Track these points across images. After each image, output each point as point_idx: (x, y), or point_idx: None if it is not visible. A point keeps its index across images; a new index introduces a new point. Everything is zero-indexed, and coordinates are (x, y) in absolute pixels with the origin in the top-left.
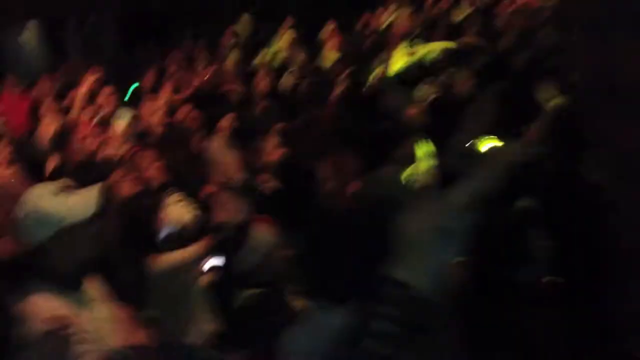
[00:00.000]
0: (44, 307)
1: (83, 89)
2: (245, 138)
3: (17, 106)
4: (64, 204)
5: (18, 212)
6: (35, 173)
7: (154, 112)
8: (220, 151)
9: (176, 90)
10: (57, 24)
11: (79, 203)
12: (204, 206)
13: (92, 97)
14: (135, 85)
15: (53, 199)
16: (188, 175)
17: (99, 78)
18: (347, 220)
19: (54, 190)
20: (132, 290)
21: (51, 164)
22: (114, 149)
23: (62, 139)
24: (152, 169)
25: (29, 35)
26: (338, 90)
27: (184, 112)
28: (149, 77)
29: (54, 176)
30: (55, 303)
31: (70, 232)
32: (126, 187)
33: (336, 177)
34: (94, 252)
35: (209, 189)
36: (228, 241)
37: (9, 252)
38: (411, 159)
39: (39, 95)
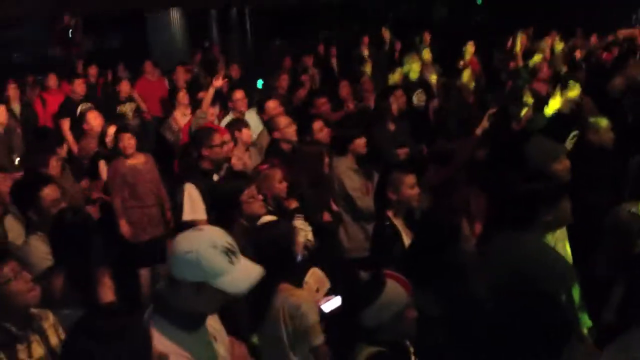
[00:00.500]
0: (166, 348)
1: (212, 89)
2: (374, 162)
3: (152, 91)
4: (225, 267)
5: (184, 240)
6: (162, 160)
7: (288, 125)
8: (347, 175)
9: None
10: (199, 13)
11: (237, 277)
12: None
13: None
14: (260, 82)
15: (221, 256)
16: (312, 198)
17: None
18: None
19: (225, 246)
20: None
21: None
22: (242, 159)
23: (200, 137)
24: (280, 188)
25: (173, 23)
26: (484, 123)
27: (318, 128)
28: (284, 79)
29: (184, 167)
30: (176, 347)
31: (211, 291)
32: (256, 207)
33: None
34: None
35: (327, 217)
36: (362, 291)
37: None
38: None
39: (175, 82)
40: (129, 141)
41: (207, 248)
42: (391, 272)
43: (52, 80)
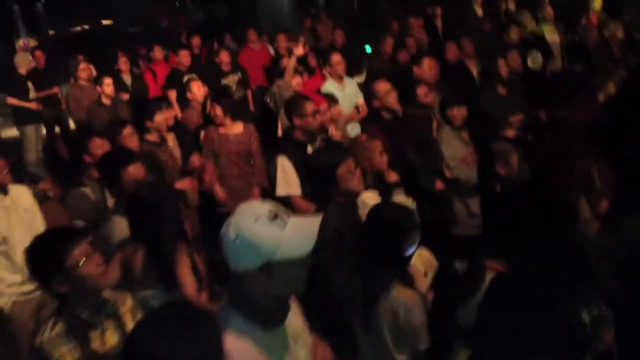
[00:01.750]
0: (239, 349)
1: (294, 57)
2: (478, 131)
3: (256, 60)
4: (277, 234)
5: (227, 228)
6: (266, 128)
7: (388, 91)
8: (448, 143)
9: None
10: None
11: (294, 238)
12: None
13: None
14: (369, 47)
15: (268, 225)
16: (419, 164)
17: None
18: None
19: (268, 214)
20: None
21: (281, 122)
22: (337, 129)
23: (291, 106)
24: (381, 161)
25: None
26: (609, 88)
27: (422, 94)
28: (388, 43)
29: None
30: (250, 346)
31: (279, 267)
32: (354, 183)
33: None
34: (301, 289)
35: (439, 185)
36: (458, 285)
37: None
38: None
39: (277, 50)
40: (217, 110)
41: (250, 225)
42: (492, 262)
43: (157, 52)
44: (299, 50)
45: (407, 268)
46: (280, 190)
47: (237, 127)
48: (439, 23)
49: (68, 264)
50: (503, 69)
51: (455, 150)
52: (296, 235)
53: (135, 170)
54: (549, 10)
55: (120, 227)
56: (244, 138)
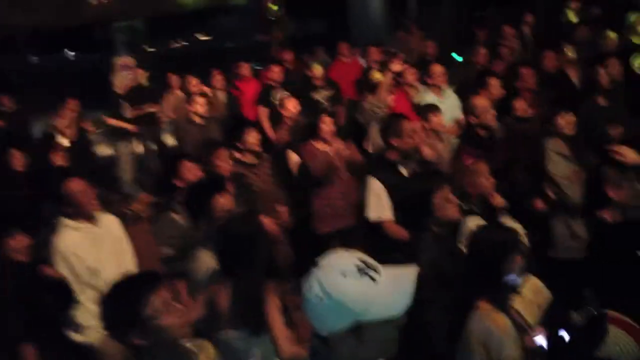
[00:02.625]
0: None
1: (390, 74)
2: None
3: (347, 74)
4: (369, 291)
5: (310, 284)
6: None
7: (486, 108)
8: (552, 159)
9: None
10: None
11: (388, 295)
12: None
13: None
14: (455, 56)
15: (357, 281)
16: (525, 184)
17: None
18: None
19: (357, 267)
20: None
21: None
22: (435, 148)
23: (389, 125)
24: (487, 185)
25: (372, 4)
26: None
27: (522, 108)
28: (481, 53)
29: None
30: None
31: (371, 328)
32: (451, 211)
33: None
34: (394, 351)
35: (539, 204)
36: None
37: None
38: None
39: (369, 62)
40: (327, 123)
41: (337, 281)
42: (617, 315)
43: (244, 69)
44: (396, 67)
45: (506, 294)
46: (372, 214)
47: (339, 144)
48: (527, 30)
49: (146, 315)
50: (603, 77)
51: (561, 167)
52: (390, 291)
53: (225, 201)
54: None
55: (207, 260)
56: (347, 154)
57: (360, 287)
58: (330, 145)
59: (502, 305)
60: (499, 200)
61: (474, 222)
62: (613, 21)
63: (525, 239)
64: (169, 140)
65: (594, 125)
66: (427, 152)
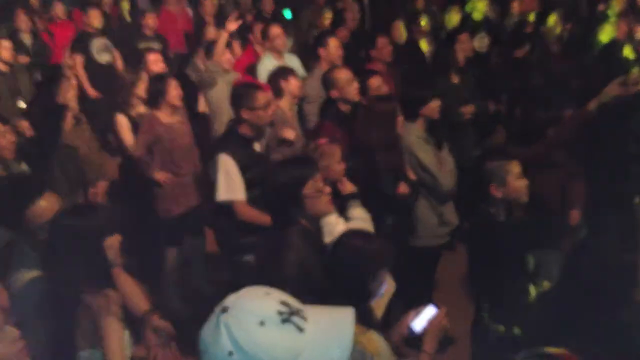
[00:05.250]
0: None
1: (225, 34)
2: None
3: (174, 24)
4: (294, 343)
5: (215, 333)
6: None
7: (349, 80)
8: (419, 146)
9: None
10: None
11: (318, 347)
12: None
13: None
14: (287, 11)
15: (279, 330)
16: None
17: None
18: None
19: (278, 313)
20: None
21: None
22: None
23: (239, 96)
24: (338, 170)
25: None
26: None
27: (376, 85)
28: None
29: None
30: None
31: None
32: (323, 205)
33: None
34: None
35: (403, 188)
36: None
37: None
38: None
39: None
40: (174, 89)
41: (253, 332)
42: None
43: (58, 9)
44: (232, 26)
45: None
46: (222, 195)
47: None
48: None
49: None
50: (459, 55)
51: (429, 154)
52: (322, 342)
53: (48, 205)
54: None
55: None
56: (187, 128)
57: (284, 339)
58: (178, 115)
59: (368, 319)
60: (349, 187)
61: (332, 217)
62: None
63: (372, 228)
64: None
65: (449, 105)
66: (288, 134)
